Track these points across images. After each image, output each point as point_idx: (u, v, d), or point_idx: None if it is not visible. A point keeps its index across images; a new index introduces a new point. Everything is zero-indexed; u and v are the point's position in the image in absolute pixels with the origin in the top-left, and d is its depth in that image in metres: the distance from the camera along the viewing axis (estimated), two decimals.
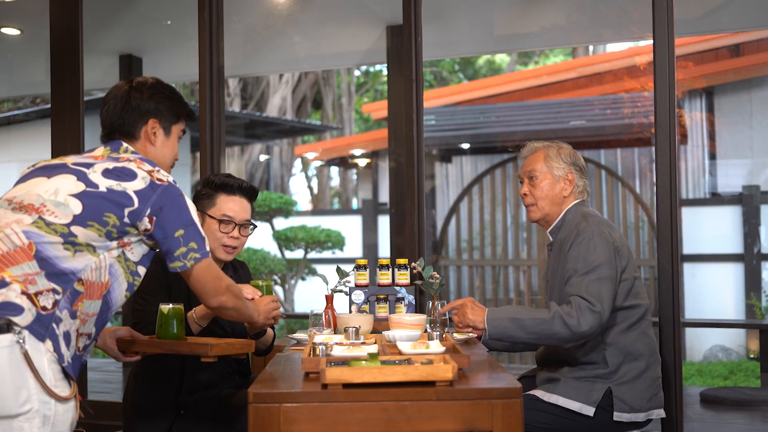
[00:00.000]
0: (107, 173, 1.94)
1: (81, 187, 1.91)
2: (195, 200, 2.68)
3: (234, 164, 15.08)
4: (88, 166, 1.97)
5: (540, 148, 2.76)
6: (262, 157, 16.26)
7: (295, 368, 2.17)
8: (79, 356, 1.89)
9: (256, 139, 14.01)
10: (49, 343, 1.77)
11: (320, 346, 2.12)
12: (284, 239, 9.32)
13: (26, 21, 5.45)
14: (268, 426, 1.83)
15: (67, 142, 4.30)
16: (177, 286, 2.55)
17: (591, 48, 13.12)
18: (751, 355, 7.63)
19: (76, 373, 1.87)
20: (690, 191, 8.55)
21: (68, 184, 1.92)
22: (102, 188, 1.91)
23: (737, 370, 7.23)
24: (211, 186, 2.66)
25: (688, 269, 8.09)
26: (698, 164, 8.63)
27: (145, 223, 1.93)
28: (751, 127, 8.35)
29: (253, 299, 2.38)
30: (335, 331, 2.66)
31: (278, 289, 9.48)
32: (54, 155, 4.31)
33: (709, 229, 8.12)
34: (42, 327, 1.76)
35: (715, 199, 8.37)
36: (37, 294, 1.77)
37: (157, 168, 2.01)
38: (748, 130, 8.37)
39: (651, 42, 3.38)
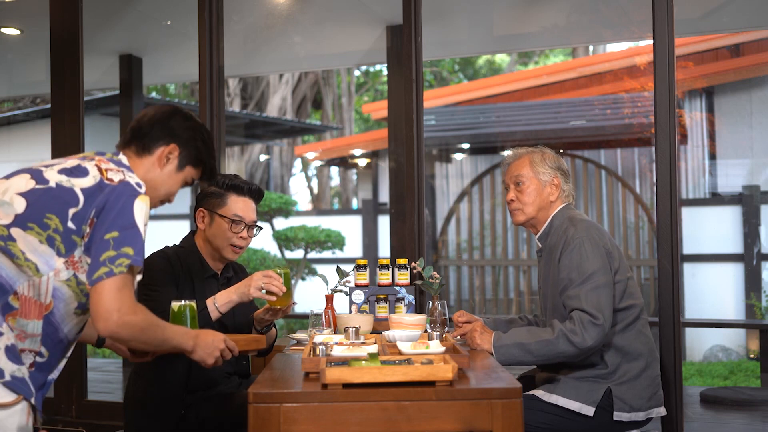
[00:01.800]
0: (63, 170, 1.81)
1: (31, 184, 1.79)
2: (201, 198, 2.70)
3: (234, 164, 15.08)
4: (50, 165, 1.84)
5: (524, 154, 2.76)
6: (262, 157, 16.26)
7: (295, 368, 2.16)
8: (37, 374, 1.78)
9: (256, 139, 14.01)
10: None
11: (320, 346, 2.12)
12: (284, 239, 9.33)
13: (26, 21, 5.45)
14: (268, 426, 1.83)
15: (67, 142, 4.30)
16: (183, 279, 2.58)
17: (591, 48, 13.12)
18: (751, 355, 7.63)
19: (40, 392, 1.78)
20: (690, 191, 8.55)
21: (20, 182, 1.80)
22: (51, 183, 1.78)
23: (737, 370, 7.23)
24: (222, 186, 2.67)
25: (688, 269, 8.09)
26: (698, 164, 8.63)
27: (87, 228, 1.76)
28: (751, 127, 8.35)
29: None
30: (335, 331, 2.66)
31: None
32: (54, 155, 4.31)
33: (709, 229, 8.12)
34: None
35: (715, 199, 8.37)
36: None
37: (122, 169, 1.85)
38: (748, 130, 8.37)
39: (651, 42, 3.38)
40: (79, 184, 1.78)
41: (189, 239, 2.72)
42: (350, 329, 2.32)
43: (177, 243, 2.75)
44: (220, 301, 2.46)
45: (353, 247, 10.43)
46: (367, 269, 3.04)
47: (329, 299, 2.74)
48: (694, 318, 7.70)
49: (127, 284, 1.74)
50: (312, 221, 10.10)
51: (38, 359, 1.80)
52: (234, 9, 5.06)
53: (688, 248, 8.12)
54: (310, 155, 13.40)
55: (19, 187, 1.79)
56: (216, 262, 2.70)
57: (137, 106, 6.14)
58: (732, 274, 7.97)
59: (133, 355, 2.20)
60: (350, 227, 10.58)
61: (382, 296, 2.98)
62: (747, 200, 7.90)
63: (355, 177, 16.13)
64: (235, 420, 2.47)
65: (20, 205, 1.76)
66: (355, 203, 16.41)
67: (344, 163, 12.52)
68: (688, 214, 8.23)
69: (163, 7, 5.39)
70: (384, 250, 10.18)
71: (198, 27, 4.07)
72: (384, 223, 10.24)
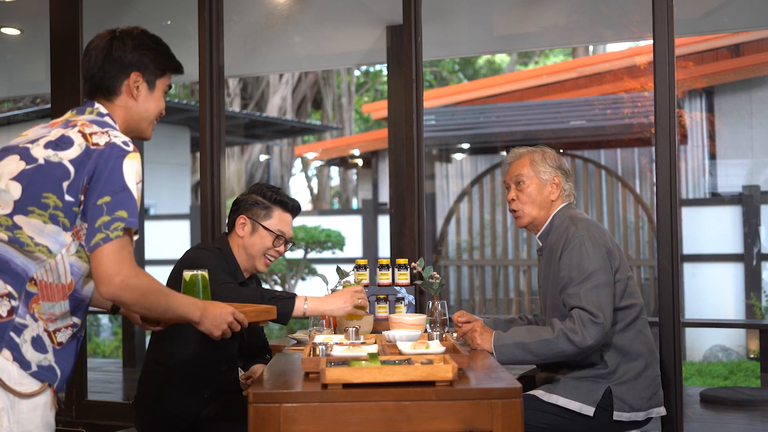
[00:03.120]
0: (48, 144, 1.78)
1: (21, 166, 1.76)
2: (246, 206, 2.71)
3: (234, 164, 15.08)
4: (35, 140, 1.81)
5: (525, 153, 2.76)
6: (262, 157, 16.27)
7: (295, 368, 2.16)
8: (63, 349, 1.78)
9: (256, 139, 14.02)
10: (6, 353, 1.68)
11: (320, 346, 2.12)
12: None
13: (26, 21, 5.45)
14: (268, 426, 1.83)
15: None
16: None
17: (591, 48, 13.13)
18: (751, 355, 7.63)
19: (67, 364, 1.78)
20: (690, 191, 8.55)
21: (11, 166, 1.77)
22: (40, 161, 1.75)
23: (737, 370, 7.22)
24: (270, 199, 2.72)
25: (688, 269, 8.09)
26: (698, 164, 8.63)
27: (83, 197, 1.74)
28: (751, 127, 8.35)
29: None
30: (335, 331, 2.66)
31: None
32: None
33: (709, 229, 8.12)
34: None
35: (715, 199, 8.37)
36: None
37: (105, 129, 1.81)
38: (748, 130, 8.37)
39: (651, 42, 3.38)
40: (66, 156, 1.75)
41: (225, 242, 2.73)
42: (350, 329, 2.32)
43: (212, 243, 2.79)
44: (310, 305, 2.42)
45: (353, 247, 10.43)
46: (367, 269, 3.04)
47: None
48: (694, 318, 7.69)
49: (125, 246, 1.72)
50: (312, 221, 10.10)
51: (74, 329, 1.82)
52: (234, 9, 5.06)
53: (688, 248, 8.12)
54: (310, 155, 13.41)
55: (11, 171, 1.77)
56: (245, 270, 2.72)
57: None
58: (732, 274, 7.97)
59: (144, 322, 2.15)
60: (350, 227, 10.58)
61: (382, 296, 2.98)
62: (747, 200, 7.90)
63: (355, 177, 16.13)
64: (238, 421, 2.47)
65: (16, 191, 1.74)
66: (355, 203, 16.41)
67: (344, 163, 12.53)
68: (688, 214, 8.23)
69: (163, 7, 5.39)
70: (384, 250, 10.18)
71: (198, 27, 4.06)
72: (384, 223, 10.23)
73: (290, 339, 2.90)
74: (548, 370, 2.65)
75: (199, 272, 2.14)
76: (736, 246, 7.97)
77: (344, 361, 1.98)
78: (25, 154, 1.79)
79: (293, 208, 2.78)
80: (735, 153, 8.44)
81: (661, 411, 2.63)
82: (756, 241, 7.85)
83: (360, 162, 12.07)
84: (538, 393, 2.56)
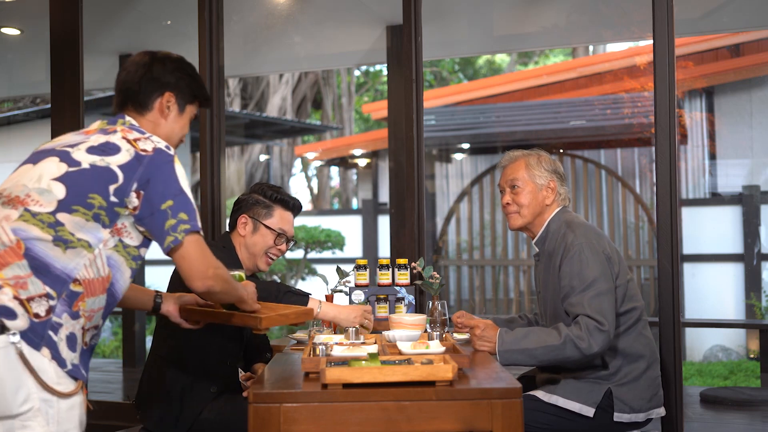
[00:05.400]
0: (91, 149, 1.85)
1: (63, 168, 1.82)
2: (247, 205, 2.75)
3: (234, 164, 15.08)
4: (75, 144, 1.88)
5: (520, 157, 2.75)
6: (262, 157, 16.27)
7: (295, 368, 2.17)
8: (87, 350, 1.85)
9: (256, 139, 14.01)
10: (46, 351, 1.72)
11: (320, 346, 2.12)
12: None
13: (26, 21, 5.45)
14: (268, 426, 1.83)
15: None
16: None
17: (591, 48, 13.12)
18: (751, 355, 7.63)
19: (86, 368, 1.83)
20: (690, 191, 8.55)
21: (51, 167, 1.83)
22: (85, 165, 1.82)
23: (737, 370, 7.22)
24: (271, 198, 2.74)
25: (688, 269, 8.09)
26: (698, 164, 8.63)
27: (133, 200, 1.82)
28: (751, 127, 8.35)
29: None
30: (335, 331, 2.67)
31: None
32: None
33: (709, 229, 8.11)
34: (36, 336, 1.70)
35: (715, 199, 8.37)
36: (29, 300, 1.71)
37: (146, 135, 1.90)
38: (748, 130, 8.37)
39: (651, 42, 3.38)
40: (114, 161, 1.83)
41: (228, 240, 2.76)
42: (350, 329, 2.32)
43: (216, 241, 2.81)
44: (323, 309, 2.55)
45: (353, 247, 10.43)
46: (367, 269, 3.04)
47: (329, 299, 2.75)
48: (694, 318, 7.69)
49: (199, 242, 1.86)
50: (312, 221, 10.11)
51: (96, 332, 1.88)
52: (234, 9, 5.06)
53: (688, 248, 8.12)
54: (310, 155, 13.40)
55: (53, 173, 1.82)
56: (248, 269, 2.75)
57: None
58: (732, 274, 7.97)
59: (186, 321, 2.26)
60: (350, 227, 10.58)
61: (382, 296, 2.98)
62: (747, 200, 7.90)
63: (355, 177, 16.13)
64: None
65: (60, 191, 1.80)
66: (355, 203, 16.41)
67: (344, 163, 12.52)
68: (688, 214, 8.23)
69: (163, 7, 5.39)
70: (384, 250, 10.18)
71: (198, 27, 4.06)
72: (384, 223, 10.24)
73: (290, 339, 2.91)
74: (549, 371, 2.65)
75: (236, 273, 2.26)
76: (736, 246, 7.97)
77: (344, 361, 1.98)
78: (65, 157, 1.85)
79: (294, 207, 2.79)
80: (735, 153, 8.44)
81: (661, 411, 2.62)
82: (756, 241, 7.85)
83: (360, 162, 12.06)
84: (539, 393, 2.56)
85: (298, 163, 17.55)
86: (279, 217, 2.73)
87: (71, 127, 4.32)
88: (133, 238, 1.88)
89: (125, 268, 1.88)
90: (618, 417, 2.52)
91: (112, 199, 1.81)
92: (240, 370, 2.73)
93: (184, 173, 1.89)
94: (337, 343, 2.22)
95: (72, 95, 4.31)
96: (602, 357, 2.54)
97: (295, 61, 6.82)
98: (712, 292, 8.05)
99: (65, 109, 4.34)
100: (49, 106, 5.60)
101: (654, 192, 5.48)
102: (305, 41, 5.95)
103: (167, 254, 1.86)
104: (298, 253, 9.65)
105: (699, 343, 8.04)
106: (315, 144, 14.93)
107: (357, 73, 17.43)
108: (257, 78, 16.28)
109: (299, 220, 10.08)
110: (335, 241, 9.51)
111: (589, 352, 2.41)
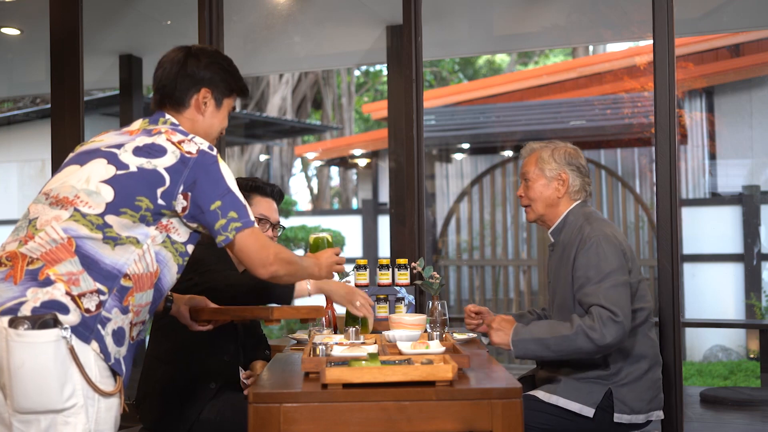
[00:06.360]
0: (138, 151, 1.87)
1: (111, 171, 1.85)
2: None
3: (234, 164, 15.08)
4: (120, 146, 1.90)
5: (535, 150, 2.75)
6: (262, 157, 16.27)
7: (295, 368, 2.16)
8: (134, 344, 1.88)
9: (256, 139, 14.01)
10: (95, 344, 1.75)
11: (320, 346, 2.12)
12: (284, 239, 9.33)
13: (26, 21, 5.45)
14: (268, 426, 1.83)
15: (67, 142, 4.29)
16: None
17: (591, 48, 13.12)
18: (751, 355, 7.63)
19: (128, 364, 1.86)
20: (690, 191, 8.55)
21: (99, 169, 1.86)
22: (133, 168, 1.85)
23: (737, 370, 7.23)
24: (246, 188, 2.73)
25: (688, 269, 8.09)
26: (698, 164, 8.63)
27: (181, 201, 1.86)
28: (751, 127, 8.35)
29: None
30: (335, 331, 2.66)
31: None
32: (54, 155, 4.31)
33: (709, 229, 8.11)
34: (87, 329, 1.74)
35: (715, 199, 8.37)
36: (80, 296, 1.74)
37: (189, 137, 1.92)
38: (748, 130, 8.37)
39: (651, 42, 3.38)
40: (161, 164, 1.85)
41: None
42: (350, 329, 2.32)
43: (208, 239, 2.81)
44: (313, 284, 2.59)
45: (353, 247, 10.43)
46: (367, 269, 3.03)
47: (329, 300, 2.74)
48: (694, 318, 7.69)
49: (254, 235, 1.90)
50: (312, 221, 10.11)
51: (142, 326, 1.91)
52: (234, 9, 5.05)
53: (688, 248, 8.12)
54: (310, 155, 13.41)
55: (101, 175, 1.85)
56: (238, 264, 2.74)
57: (137, 107, 6.14)
58: (732, 274, 7.97)
59: (194, 322, 2.28)
60: (350, 227, 10.58)
61: (382, 296, 2.98)
62: (747, 200, 7.90)
63: (355, 177, 16.13)
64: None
65: (108, 194, 1.82)
66: (355, 203, 16.40)
67: (344, 163, 12.52)
68: (688, 214, 8.23)
69: (163, 7, 5.39)
70: (384, 250, 10.18)
71: (198, 27, 4.06)
72: (384, 223, 10.24)
73: (290, 339, 2.90)
74: (549, 371, 2.65)
75: (323, 234, 2.33)
76: (736, 246, 7.97)
77: (344, 361, 1.98)
78: (113, 159, 1.87)
79: (273, 193, 2.80)
80: (735, 153, 8.44)
81: (660, 415, 2.62)
82: (756, 241, 7.85)
83: (360, 162, 12.07)
84: (539, 393, 2.56)
85: (298, 163, 17.56)
86: (257, 204, 2.74)
87: (71, 127, 4.32)
88: (180, 234, 1.91)
89: (172, 264, 1.91)
90: (618, 418, 2.51)
91: (160, 201, 1.84)
92: (240, 369, 2.73)
93: (229, 171, 1.92)
94: (337, 343, 2.22)
95: (72, 95, 4.31)
96: (604, 356, 2.53)
97: (295, 61, 6.82)
98: (712, 292, 8.05)
99: (65, 109, 4.34)
100: (49, 106, 5.60)
101: (654, 192, 5.48)
102: (305, 41, 5.95)
103: (228, 251, 1.93)
104: (297, 253, 9.65)
105: (699, 343, 8.04)
106: (315, 144, 14.93)
107: (357, 73, 17.43)
108: (257, 78, 16.27)
109: (299, 220, 10.08)
110: (335, 241, 9.51)
111: (601, 342, 2.37)
